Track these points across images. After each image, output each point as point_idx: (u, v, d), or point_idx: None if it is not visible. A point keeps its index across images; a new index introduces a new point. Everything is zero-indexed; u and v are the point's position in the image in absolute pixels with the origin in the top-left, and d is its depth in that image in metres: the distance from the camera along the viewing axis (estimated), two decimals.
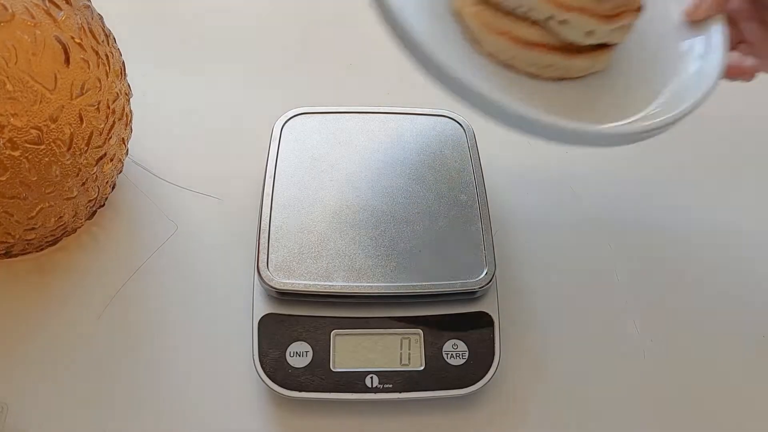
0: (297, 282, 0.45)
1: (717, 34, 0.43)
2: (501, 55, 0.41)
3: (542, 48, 0.40)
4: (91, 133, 0.45)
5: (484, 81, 0.37)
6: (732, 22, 0.45)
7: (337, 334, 0.46)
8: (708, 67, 0.41)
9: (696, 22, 0.44)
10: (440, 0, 0.42)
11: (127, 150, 0.53)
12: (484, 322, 0.47)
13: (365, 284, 0.46)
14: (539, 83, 0.41)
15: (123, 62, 0.50)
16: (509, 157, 0.58)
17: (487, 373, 0.45)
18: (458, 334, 0.46)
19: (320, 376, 0.45)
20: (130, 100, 0.51)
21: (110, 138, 0.47)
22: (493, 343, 0.46)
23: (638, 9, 0.41)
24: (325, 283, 0.46)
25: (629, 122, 0.40)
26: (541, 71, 0.41)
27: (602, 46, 0.42)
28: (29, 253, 0.52)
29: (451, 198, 0.50)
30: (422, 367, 0.46)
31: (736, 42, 0.45)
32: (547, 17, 0.39)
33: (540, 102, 0.40)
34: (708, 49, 0.43)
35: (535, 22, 0.40)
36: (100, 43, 0.45)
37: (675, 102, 0.41)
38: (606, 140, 0.38)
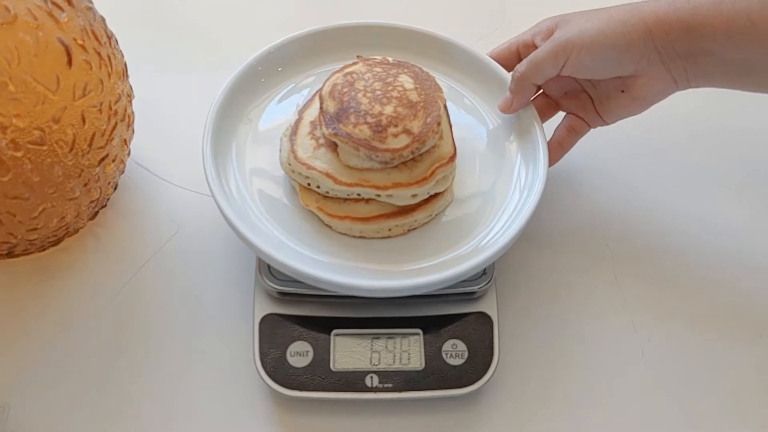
0: (297, 282, 0.45)
1: (540, 163, 0.48)
2: (351, 232, 0.46)
3: (381, 218, 0.46)
4: (94, 134, 0.46)
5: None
6: (556, 102, 0.53)
7: (337, 334, 0.47)
8: (528, 203, 0.46)
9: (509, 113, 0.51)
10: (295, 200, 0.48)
11: (129, 151, 0.53)
12: (483, 322, 0.47)
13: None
14: (388, 241, 0.47)
15: (125, 63, 0.50)
16: None
17: (486, 372, 0.46)
18: (457, 334, 0.47)
19: (320, 376, 0.45)
20: (132, 101, 0.52)
21: (112, 139, 0.48)
22: (492, 343, 0.46)
23: (451, 158, 0.46)
24: None
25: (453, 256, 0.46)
26: (390, 233, 0.47)
27: (435, 195, 0.46)
28: (31, 253, 0.52)
29: None
30: (422, 367, 0.46)
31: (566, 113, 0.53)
32: (376, 195, 0.45)
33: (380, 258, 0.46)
34: (534, 178, 0.48)
35: (369, 200, 0.46)
36: (102, 45, 0.46)
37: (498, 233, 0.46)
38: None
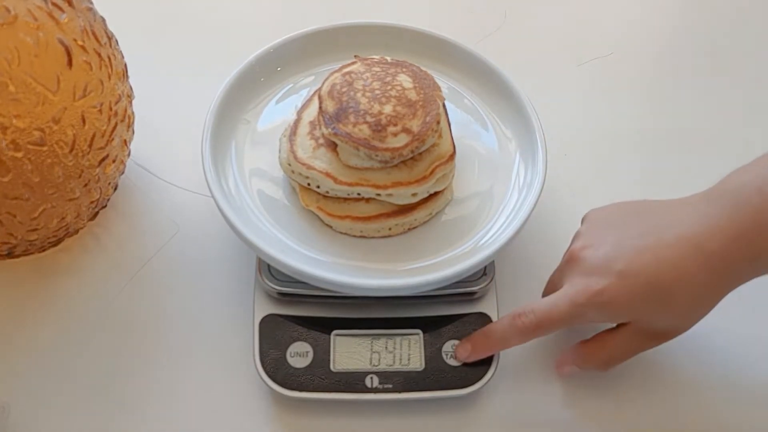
0: (297, 283, 0.45)
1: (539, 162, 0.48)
2: (351, 232, 0.47)
3: (382, 217, 0.46)
4: (94, 134, 0.46)
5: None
6: None
7: (337, 335, 0.47)
8: (526, 203, 0.47)
9: None
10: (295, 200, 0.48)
11: (129, 151, 0.53)
12: (483, 322, 0.47)
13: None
14: (388, 240, 0.47)
15: (125, 64, 0.50)
16: None
17: (486, 373, 0.46)
18: (458, 335, 0.47)
19: (320, 376, 0.45)
20: (132, 101, 0.52)
21: (112, 139, 0.48)
22: None
23: (451, 157, 0.46)
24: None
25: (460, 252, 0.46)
26: (390, 232, 0.47)
27: (435, 193, 0.47)
28: (32, 253, 0.52)
29: None
30: (422, 368, 0.46)
31: None
32: (376, 194, 0.45)
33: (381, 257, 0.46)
34: (532, 177, 0.48)
35: (369, 199, 0.46)
36: (102, 45, 0.46)
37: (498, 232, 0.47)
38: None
